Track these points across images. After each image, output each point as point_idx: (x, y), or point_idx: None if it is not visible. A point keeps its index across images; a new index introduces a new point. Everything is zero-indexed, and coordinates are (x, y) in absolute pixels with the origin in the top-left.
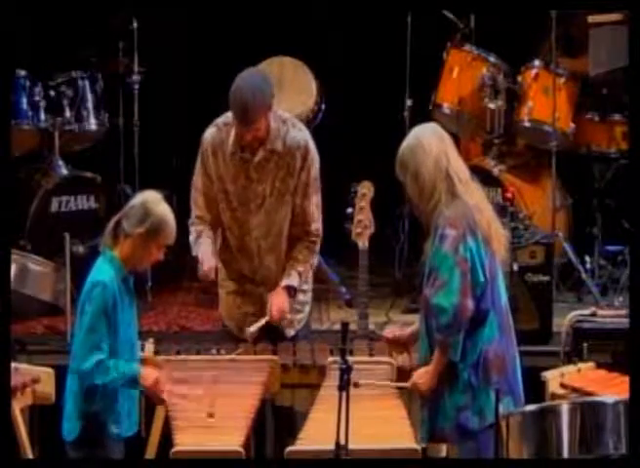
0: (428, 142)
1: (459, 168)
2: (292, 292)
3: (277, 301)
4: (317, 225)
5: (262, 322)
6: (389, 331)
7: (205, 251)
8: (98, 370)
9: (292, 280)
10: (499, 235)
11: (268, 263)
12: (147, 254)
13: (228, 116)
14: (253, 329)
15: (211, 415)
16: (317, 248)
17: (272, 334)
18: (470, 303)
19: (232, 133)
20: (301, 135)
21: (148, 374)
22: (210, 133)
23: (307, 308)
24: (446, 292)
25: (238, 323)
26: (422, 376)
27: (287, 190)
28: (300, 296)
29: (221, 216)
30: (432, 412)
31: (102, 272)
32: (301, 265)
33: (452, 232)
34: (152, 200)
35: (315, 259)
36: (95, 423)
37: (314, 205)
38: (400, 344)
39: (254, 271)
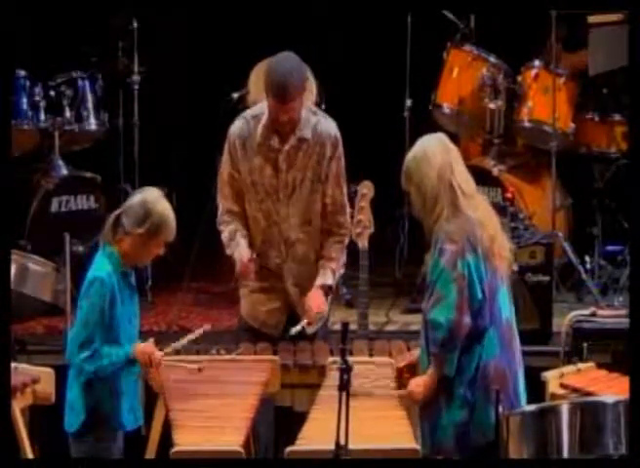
0: (433, 154)
1: (463, 180)
2: (327, 290)
3: (315, 302)
4: (347, 215)
5: (303, 324)
6: (401, 361)
7: (242, 247)
8: (91, 358)
9: (326, 278)
10: (502, 250)
11: (296, 255)
12: (147, 252)
13: (255, 109)
14: (294, 331)
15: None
16: (346, 242)
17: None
18: (467, 320)
19: (261, 124)
20: (332, 124)
21: (142, 351)
22: (237, 125)
23: (327, 307)
24: (442, 308)
25: (265, 320)
26: (419, 385)
27: (318, 179)
28: None
29: (247, 209)
30: (432, 428)
31: (101, 268)
32: (334, 263)
33: (450, 247)
34: (152, 199)
35: (345, 256)
36: (99, 415)
37: (344, 195)
38: (412, 369)
39: (279, 264)
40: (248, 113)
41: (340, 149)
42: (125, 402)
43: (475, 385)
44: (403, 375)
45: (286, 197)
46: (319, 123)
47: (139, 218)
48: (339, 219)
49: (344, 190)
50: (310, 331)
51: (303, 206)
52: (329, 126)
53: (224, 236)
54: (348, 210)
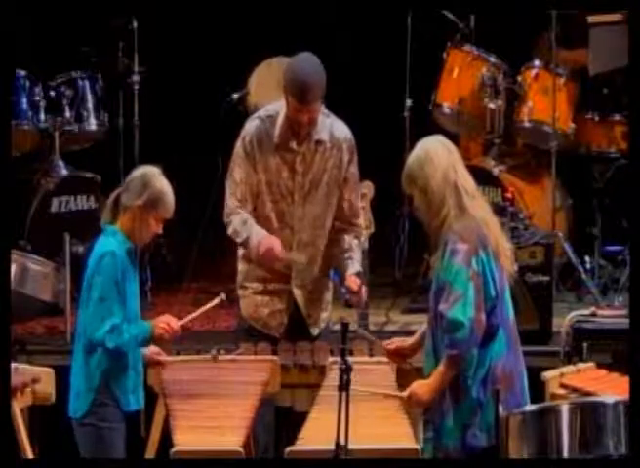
0: (437, 155)
1: (466, 181)
2: (361, 277)
3: (355, 287)
4: (362, 219)
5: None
6: (391, 343)
7: (259, 229)
8: (112, 333)
9: (356, 267)
10: (505, 250)
11: (306, 256)
12: (146, 227)
13: (269, 109)
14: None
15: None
16: (362, 242)
17: (298, 333)
18: (484, 317)
19: (277, 125)
20: (345, 127)
21: (157, 323)
22: (253, 124)
23: (329, 307)
24: (462, 307)
25: (267, 321)
26: (423, 387)
27: (335, 182)
28: (326, 296)
29: (260, 209)
30: (438, 430)
31: (108, 243)
32: (356, 253)
33: (463, 246)
34: (151, 173)
35: (360, 253)
36: (104, 399)
37: (359, 198)
38: (401, 355)
39: (287, 266)
40: (262, 113)
41: (356, 151)
42: (130, 380)
43: (486, 386)
44: (391, 359)
45: (301, 199)
46: (334, 125)
47: (137, 190)
48: (355, 222)
49: (359, 193)
50: (316, 331)
51: (318, 208)
52: (343, 128)
53: (235, 223)
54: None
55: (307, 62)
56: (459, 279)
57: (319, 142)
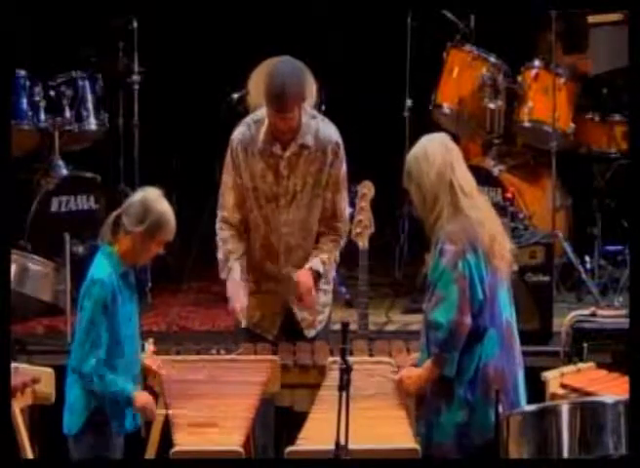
0: (434, 152)
1: (464, 180)
2: (316, 276)
3: (304, 278)
4: (345, 222)
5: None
6: (400, 371)
7: (235, 286)
8: (98, 378)
9: (317, 265)
10: (502, 250)
11: (295, 261)
12: (146, 251)
13: (257, 114)
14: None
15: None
16: (342, 243)
17: (292, 335)
18: (468, 320)
19: (262, 129)
20: (332, 129)
21: (140, 399)
22: (239, 131)
23: (328, 309)
24: (443, 308)
25: (260, 322)
26: (411, 375)
27: (319, 185)
28: (322, 297)
29: (247, 215)
30: (429, 428)
31: (101, 269)
32: (326, 254)
33: (451, 247)
34: (152, 197)
35: (338, 255)
36: (99, 417)
37: (344, 201)
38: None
39: (278, 270)
40: (250, 118)
41: (342, 154)
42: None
43: (475, 386)
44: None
45: (287, 203)
46: (320, 128)
47: (138, 217)
48: (336, 225)
49: (345, 196)
50: (311, 333)
51: (304, 212)
52: (330, 131)
53: (219, 257)
54: (347, 216)
55: (285, 70)
56: (443, 280)
57: (303, 146)
